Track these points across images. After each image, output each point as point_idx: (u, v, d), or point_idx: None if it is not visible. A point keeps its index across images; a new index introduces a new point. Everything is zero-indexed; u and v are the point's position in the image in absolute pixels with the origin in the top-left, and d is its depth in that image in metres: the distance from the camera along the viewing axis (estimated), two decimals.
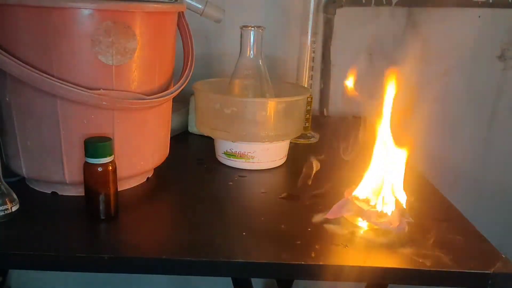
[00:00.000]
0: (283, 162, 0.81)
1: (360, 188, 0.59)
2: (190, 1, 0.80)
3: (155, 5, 0.62)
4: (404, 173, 0.59)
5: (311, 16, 0.95)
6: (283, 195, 0.68)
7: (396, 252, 0.54)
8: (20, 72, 0.56)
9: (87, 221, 0.58)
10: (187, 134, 0.96)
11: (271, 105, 0.75)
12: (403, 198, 0.58)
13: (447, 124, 1.15)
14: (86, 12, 0.56)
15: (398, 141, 0.59)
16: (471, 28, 1.08)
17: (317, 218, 0.60)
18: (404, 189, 0.60)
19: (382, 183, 0.59)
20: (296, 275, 0.56)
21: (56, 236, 0.55)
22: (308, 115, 0.93)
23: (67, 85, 0.56)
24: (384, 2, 1.05)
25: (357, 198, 0.59)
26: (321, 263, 0.51)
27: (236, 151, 0.77)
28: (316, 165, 0.69)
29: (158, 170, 0.73)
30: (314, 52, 0.98)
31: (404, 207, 0.57)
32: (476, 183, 1.19)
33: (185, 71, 0.70)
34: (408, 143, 0.58)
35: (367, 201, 0.58)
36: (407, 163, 0.58)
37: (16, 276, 1.20)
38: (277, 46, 1.09)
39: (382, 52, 1.08)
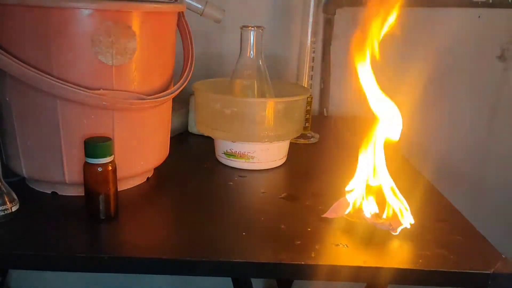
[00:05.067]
0: (283, 162, 0.81)
1: (358, 188, 0.59)
2: (190, 1, 0.80)
3: (155, 5, 0.62)
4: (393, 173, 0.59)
5: (311, 16, 0.95)
6: (283, 195, 0.68)
7: (396, 252, 0.54)
8: (20, 72, 0.56)
9: (87, 221, 0.58)
10: (187, 134, 0.96)
11: (271, 105, 0.75)
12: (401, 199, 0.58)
13: (447, 123, 1.15)
14: (86, 12, 0.56)
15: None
16: (471, 28, 1.08)
17: (317, 218, 0.60)
18: (405, 189, 0.60)
19: (380, 184, 0.59)
20: (296, 275, 0.56)
21: (56, 236, 0.55)
22: (308, 115, 0.93)
23: (67, 85, 0.56)
24: None
25: (356, 199, 0.59)
26: (321, 263, 0.51)
27: (236, 151, 0.77)
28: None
29: (158, 170, 0.73)
30: (314, 52, 0.98)
31: (407, 207, 0.57)
32: (476, 183, 1.19)
33: (185, 71, 0.70)
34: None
35: (366, 201, 0.58)
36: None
37: (16, 276, 1.20)
38: (277, 46, 1.09)
39: (381, 52, 1.08)
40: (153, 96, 0.64)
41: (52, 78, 0.56)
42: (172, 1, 0.69)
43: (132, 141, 0.65)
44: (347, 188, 0.60)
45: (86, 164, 0.57)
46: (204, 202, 0.66)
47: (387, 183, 0.58)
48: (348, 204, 0.58)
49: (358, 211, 0.58)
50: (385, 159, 0.59)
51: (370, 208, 0.58)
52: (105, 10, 0.57)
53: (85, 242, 0.56)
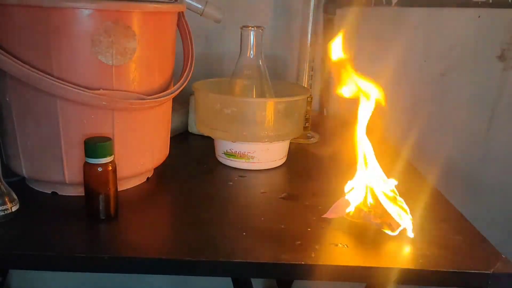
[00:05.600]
0: (283, 162, 0.81)
1: (358, 188, 0.59)
2: (190, 1, 0.80)
3: (155, 5, 0.62)
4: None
5: (311, 16, 0.95)
6: (283, 195, 0.68)
7: (396, 252, 0.54)
8: (20, 72, 0.56)
9: (87, 221, 0.58)
10: (187, 134, 0.96)
11: (271, 105, 0.75)
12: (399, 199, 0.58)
13: (447, 124, 1.15)
14: (86, 12, 0.56)
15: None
16: (471, 28, 1.08)
17: (317, 218, 0.60)
18: (405, 189, 0.60)
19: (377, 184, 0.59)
20: (296, 275, 0.56)
21: (56, 236, 0.55)
22: (308, 115, 0.93)
23: (67, 85, 0.56)
24: (384, 2, 1.05)
25: (356, 199, 0.59)
26: (321, 263, 0.51)
27: (236, 151, 0.77)
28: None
29: (158, 170, 0.73)
30: (314, 52, 0.98)
31: (406, 208, 0.57)
32: (476, 183, 1.19)
33: (185, 71, 0.70)
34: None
35: (365, 201, 0.58)
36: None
37: (16, 276, 1.20)
38: (277, 46, 1.09)
39: (382, 52, 1.08)
40: (153, 96, 0.64)
41: (52, 78, 0.56)
42: (172, 1, 0.69)
43: (132, 141, 0.65)
44: (346, 188, 0.59)
45: (86, 164, 0.57)
46: (204, 202, 0.66)
47: (386, 183, 0.59)
48: (348, 204, 0.58)
49: (358, 211, 0.58)
50: (385, 160, 0.59)
51: (369, 208, 0.58)
52: (105, 10, 0.57)
53: (85, 242, 0.55)
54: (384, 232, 0.56)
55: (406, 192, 0.60)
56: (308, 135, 0.95)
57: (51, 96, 0.58)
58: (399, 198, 0.58)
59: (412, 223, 0.56)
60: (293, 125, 0.79)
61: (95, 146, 0.56)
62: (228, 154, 0.78)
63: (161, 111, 0.69)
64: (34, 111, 0.60)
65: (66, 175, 0.62)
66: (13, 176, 0.66)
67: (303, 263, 0.51)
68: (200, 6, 0.81)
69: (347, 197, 0.59)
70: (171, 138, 0.76)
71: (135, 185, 0.69)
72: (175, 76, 0.70)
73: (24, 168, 0.64)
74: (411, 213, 0.57)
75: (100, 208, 0.58)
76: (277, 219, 0.61)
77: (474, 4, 1.06)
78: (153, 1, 0.63)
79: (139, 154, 0.66)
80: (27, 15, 0.56)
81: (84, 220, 0.58)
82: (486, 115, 1.15)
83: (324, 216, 0.60)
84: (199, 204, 0.65)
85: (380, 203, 0.57)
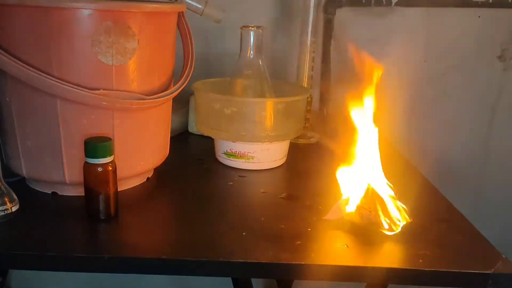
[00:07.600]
0: (283, 162, 0.81)
1: (357, 188, 0.59)
2: (190, 1, 0.80)
3: (155, 5, 0.62)
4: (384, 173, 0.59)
5: (311, 16, 0.95)
6: (283, 195, 0.68)
7: (396, 252, 0.54)
8: (20, 72, 0.56)
9: (87, 221, 0.58)
10: (187, 134, 0.96)
11: (271, 105, 0.75)
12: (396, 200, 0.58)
13: (447, 124, 1.15)
14: (86, 12, 0.56)
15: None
16: (471, 28, 1.08)
17: (317, 218, 0.60)
18: (405, 188, 0.60)
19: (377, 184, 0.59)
20: (296, 275, 0.56)
21: (56, 236, 0.55)
22: (308, 115, 0.93)
23: (67, 85, 0.56)
24: (384, 2, 1.05)
25: (356, 199, 0.59)
26: (321, 263, 0.51)
27: (236, 151, 0.77)
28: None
29: (158, 170, 0.73)
30: (314, 52, 0.98)
31: (404, 207, 0.57)
32: (476, 183, 1.19)
33: (185, 71, 0.70)
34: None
35: (365, 201, 0.58)
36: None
37: (16, 276, 1.20)
38: (277, 46, 1.09)
39: (382, 52, 1.08)
40: (153, 96, 0.64)
41: (52, 78, 0.56)
42: (172, 1, 0.69)
43: (132, 141, 0.65)
44: (343, 189, 0.59)
45: (86, 164, 0.57)
46: (204, 202, 0.66)
47: (385, 183, 0.58)
48: (348, 204, 0.58)
49: (358, 211, 0.58)
50: (385, 159, 0.59)
51: (369, 208, 0.58)
52: (105, 10, 0.57)
53: (85, 242, 0.56)
54: (384, 232, 0.56)
55: (405, 191, 0.60)
56: (308, 135, 0.95)
57: (51, 96, 0.58)
58: (397, 198, 0.58)
59: (411, 223, 0.57)
60: (293, 125, 0.79)
61: (95, 146, 0.56)
62: (228, 154, 0.78)
63: (161, 111, 0.69)
64: (34, 111, 0.60)
65: (66, 175, 0.62)
66: (13, 176, 0.66)
67: (303, 263, 0.51)
68: (200, 6, 0.81)
69: (346, 197, 0.59)
70: (171, 138, 0.76)
71: (135, 185, 0.69)
72: (175, 76, 0.70)
73: (24, 168, 0.64)
74: (410, 213, 0.57)
75: (100, 208, 0.58)
76: (277, 219, 0.61)
77: (474, 4, 1.06)
78: (153, 1, 0.63)
79: (139, 154, 0.66)
80: (27, 15, 0.56)
81: (84, 220, 0.58)
82: (486, 115, 1.15)
83: (325, 218, 0.60)
84: (199, 204, 0.65)
85: (380, 203, 0.57)
